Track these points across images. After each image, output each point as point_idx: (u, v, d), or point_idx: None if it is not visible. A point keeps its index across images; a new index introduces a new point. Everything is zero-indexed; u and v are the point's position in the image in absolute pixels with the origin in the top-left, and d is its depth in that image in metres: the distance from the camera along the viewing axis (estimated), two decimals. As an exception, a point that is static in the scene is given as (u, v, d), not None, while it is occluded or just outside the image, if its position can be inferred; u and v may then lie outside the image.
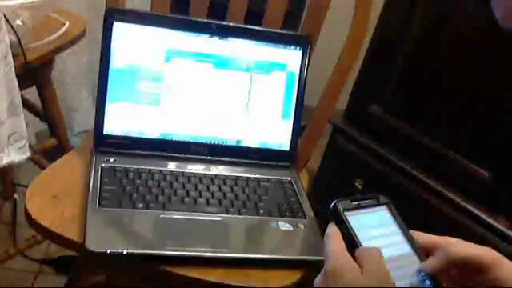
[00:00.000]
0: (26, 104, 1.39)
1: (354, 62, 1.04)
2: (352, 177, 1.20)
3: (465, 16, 1.01)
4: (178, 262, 0.77)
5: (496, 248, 0.95)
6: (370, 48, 1.15)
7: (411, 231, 0.58)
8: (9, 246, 1.39)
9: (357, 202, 0.57)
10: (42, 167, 1.44)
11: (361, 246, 0.53)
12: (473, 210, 1.02)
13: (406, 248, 0.57)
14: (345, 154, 1.24)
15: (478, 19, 0.96)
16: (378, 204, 0.59)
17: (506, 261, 0.54)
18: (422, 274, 0.55)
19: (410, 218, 1.08)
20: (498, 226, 0.99)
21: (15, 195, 1.61)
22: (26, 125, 0.99)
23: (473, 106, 1.02)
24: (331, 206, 0.57)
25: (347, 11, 1.02)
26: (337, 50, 1.03)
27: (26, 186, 0.86)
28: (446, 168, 1.07)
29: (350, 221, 0.55)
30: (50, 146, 1.43)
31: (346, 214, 0.56)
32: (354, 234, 0.54)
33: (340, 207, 0.56)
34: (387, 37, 1.13)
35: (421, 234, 0.58)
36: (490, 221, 1.00)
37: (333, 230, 0.55)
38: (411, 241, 0.57)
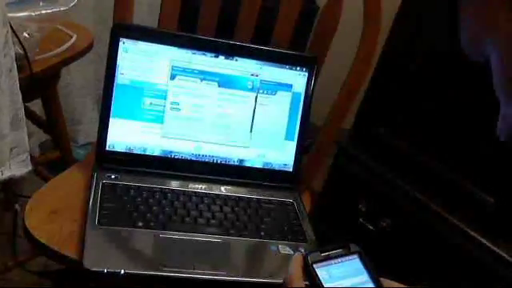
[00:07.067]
0: (31, 116, 1.39)
1: (362, 83, 1.03)
2: (355, 198, 1.19)
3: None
4: (175, 283, 0.76)
5: (498, 275, 0.93)
6: (377, 69, 1.14)
7: (382, 279, 0.58)
8: (8, 256, 1.38)
9: (327, 253, 0.58)
10: (45, 179, 1.44)
11: None
12: (476, 236, 1.01)
13: None
14: (349, 175, 1.22)
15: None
16: (349, 253, 0.59)
17: None
18: None
19: (412, 242, 1.07)
20: (502, 253, 0.98)
21: (16, 206, 1.61)
22: (30, 136, 0.98)
23: (479, 132, 1.01)
24: None
25: (355, 30, 1.01)
26: (344, 68, 1.03)
27: (28, 197, 0.86)
28: (450, 192, 1.06)
29: (319, 273, 0.55)
30: (53, 158, 1.42)
31: (314, 266, 0.56)
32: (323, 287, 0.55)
33: (309, 261, 0.56)
34: (394, 58, 1.13)
35: (391, 282, 0.58)
36: (494, 247, 0.99)
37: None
38: None
